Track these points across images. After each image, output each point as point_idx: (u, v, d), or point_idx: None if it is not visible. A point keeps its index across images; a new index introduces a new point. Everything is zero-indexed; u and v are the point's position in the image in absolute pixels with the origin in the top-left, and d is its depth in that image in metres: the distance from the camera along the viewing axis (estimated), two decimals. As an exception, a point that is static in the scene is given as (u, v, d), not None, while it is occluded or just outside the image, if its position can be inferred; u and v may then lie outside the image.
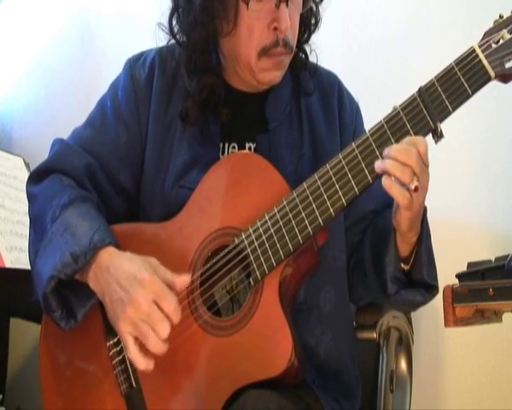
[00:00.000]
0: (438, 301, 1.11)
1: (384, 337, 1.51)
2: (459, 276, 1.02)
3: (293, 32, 1.24)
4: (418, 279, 1.19)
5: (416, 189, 1.05)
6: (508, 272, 0.94)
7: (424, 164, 1.06)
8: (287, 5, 1.18)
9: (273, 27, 1.20)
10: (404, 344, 1.51)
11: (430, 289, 1.21)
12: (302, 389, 1.20)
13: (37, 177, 1.31)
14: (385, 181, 1.06)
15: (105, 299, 1.15)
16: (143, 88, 1.33)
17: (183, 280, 1.12)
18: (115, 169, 1.32)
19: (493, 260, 0.99)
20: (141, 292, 1.08)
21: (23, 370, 2.23)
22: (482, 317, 1.03)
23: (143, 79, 1.33)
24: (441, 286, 1.06)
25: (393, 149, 1.06)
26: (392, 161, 1.05)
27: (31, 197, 1.31)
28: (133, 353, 1.09)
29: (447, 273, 1.14)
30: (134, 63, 1.36)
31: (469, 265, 1.02)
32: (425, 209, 1.16)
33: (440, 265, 1.28)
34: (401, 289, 1.20)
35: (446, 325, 1.02)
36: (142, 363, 1.09)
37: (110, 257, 1.15)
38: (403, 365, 1.49)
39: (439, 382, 1.83)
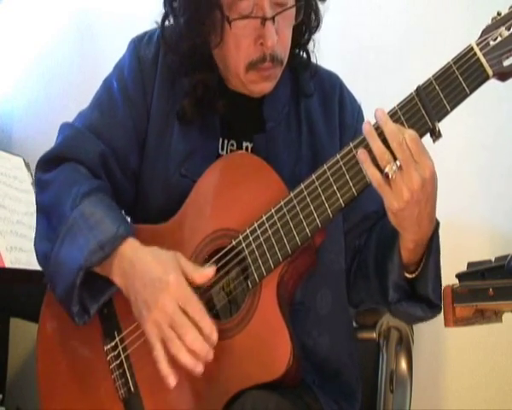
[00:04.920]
0: (438, 301, 1.11)
1: (384, 337, 1.51)
2: (459, 276, 1.02)
3: (283, 45, 1.21)
4: (422, 293, 1.16)
5: (386, 175, 1.02)
6: (508, 272, 0.94)
7: (412, 156, 1.02)
8: (273, 22, 1.16)
9: (259, 43, 1.18)
10: (404, 344, 1.51)
11: (433, 306, 1.17)
12: (301, 389, 1.20)
13: (49, 164, 1.29)
14: (360, 154, 1.05)
15: (129, 295, 1.14)
16: (150, 67, 1.31)
17: (207, 272, 1.12)
18: (125, 151, 1.29)
19: (493, 260, 0.99)
20: (166, 296, 1.07)
21: (23, 370, 2.23)
22: (482, 317, 1.03)
23: (150, 59, 1.31)
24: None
25: (388, 126, 1.04)
26: (377, 140, 1.04)
27: (43, 184, 1.28)
28: (161, 361, 1.08)
29: (447, 273, 1.14)
30: (139, 43, 1.34)
31: (469, 265, 1.02)
32: (437, 224, 1.13)
33: (440, 265, 1.27)
34: (403, 299, 1.17)
35: (446, 324, 1.02)
36: (167, 371, 1.08)
37: (133, 250, 1.14)
38: (403, 365, 1.49)
39: (439, 382, 1.83)
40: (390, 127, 1.04)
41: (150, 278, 1.10)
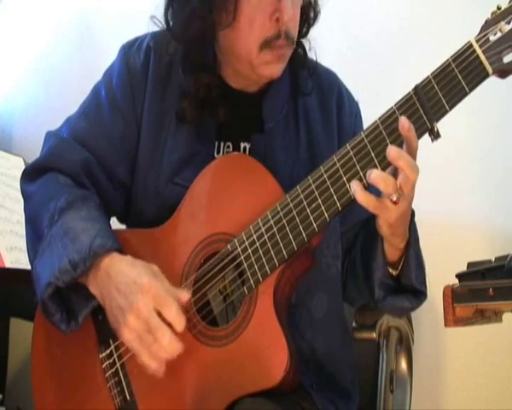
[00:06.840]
0: (438, 301, 1.11)
1: (384, 337, 1.51)
2: (459, 276, 1.02)
3: (295, 23, 1.20)
4: (407, 284, 1.17)
5: (395, 202, 1.02)
6: (508, 272, 0.94)
7: (408, 178, 1.02)
8: None
9: (275, 18, 1.15)
10: (404, 344, 1.51)
11: (418, 294, 1.18)
12: (299, 395, 1.18)
13: (32, 174, 1.28)
14: (356, 193, 1.04)
15: (105, 304, 1.13)
16: (139, 76, 1.28)
17: (183, 296, 1.10)
18: (112, 163, 1.28)
19: (493, 260, 0.99)
20: (140, 298, 1.06)
21: (23, 370, 2.23)
22: (482, 317, 1.03)
23: (139, 67, 1.29)
24: (441, 286, 1.06)
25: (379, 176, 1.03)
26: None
27: (26, 196, 1.29)
28: (146, 357, 1.07)
29: (447, 273, 1.14)
30: (128, 49, 1.32)
31: (469, 265, 1.02)
32: (412, 213, 1.13)
33: (440, 265, 1.27)
34: (388, 295, 1.18)
35: (446, 325, 1.02)
36: (155, 364, 1.08)
37: (110, 261, 1.13)
38: (403, 365, 1.49)
39: (439, 382, 1.83)
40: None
41: (125, 282, 1.09)
